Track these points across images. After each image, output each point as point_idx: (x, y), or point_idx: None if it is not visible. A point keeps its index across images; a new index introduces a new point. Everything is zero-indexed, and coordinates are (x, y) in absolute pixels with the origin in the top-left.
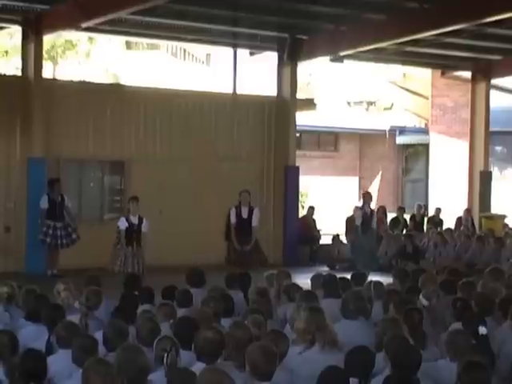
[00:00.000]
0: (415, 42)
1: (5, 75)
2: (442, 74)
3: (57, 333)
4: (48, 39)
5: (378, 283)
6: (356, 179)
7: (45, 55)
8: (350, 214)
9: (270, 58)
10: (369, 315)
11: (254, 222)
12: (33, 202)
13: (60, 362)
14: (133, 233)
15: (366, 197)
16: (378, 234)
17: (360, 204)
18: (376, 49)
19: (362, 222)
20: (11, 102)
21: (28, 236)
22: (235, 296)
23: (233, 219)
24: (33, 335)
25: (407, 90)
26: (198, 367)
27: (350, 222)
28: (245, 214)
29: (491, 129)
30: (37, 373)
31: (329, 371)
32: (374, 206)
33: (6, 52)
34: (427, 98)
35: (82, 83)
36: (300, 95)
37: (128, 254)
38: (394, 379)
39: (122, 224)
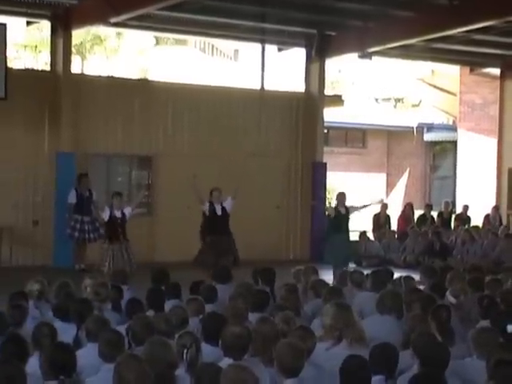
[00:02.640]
0: (444, 39)
1: (34, 70)
2: (471, 70)
3: (86, 327)
4: (77, 34)
5: (409, 278)
6: (383, 176)
7: (73, 50)
8: (377, 211)
9: (297, 54)
10: (402, 314)
11: (229, 210)
12: (61, 197)
13: (88, 356)
14: (117, 227)
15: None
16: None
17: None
18: (404, 45)
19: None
20: (40, 97)
21: (56, 230)
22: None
23: (205, 209)
24: (62, 330)
25: (435, 86)
26: (225, 363)
27: (377, 218)
28: (218, 211)
29: None
30: (66, 366)
31: (352, 360)
32: (401, 202)
33: (35, 47)
34: (455, 95)
35: (111, 78)
36: (328, 91)
37: (116, 250)
38: (421, 377)
39: (105, 215)
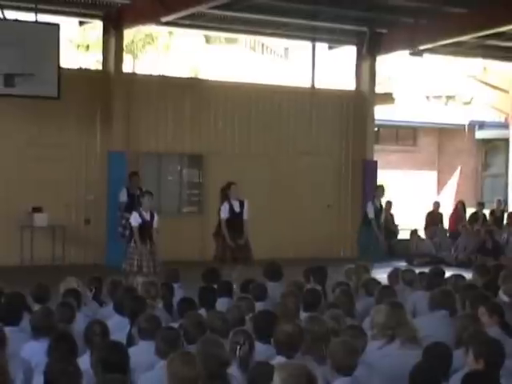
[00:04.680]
0: (496, 36)
1: (86, 69)
2: None
3: (138, 325)
4: (128, 33)
5: (461, 277)
6: (435, 174)
7: (125, 49)
8: (431, 208)
9: (348, 52)
10: (455, 312)
11: (245, 215)
12: (113, 195)
13: (141, 354)
14: (147, 229)
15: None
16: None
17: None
18: (456, 42)
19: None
20: (92, 96)
21: (108, 229)
22: None
23: (224, 214)
24: (118, 326)
25: (487, 84)
26: (278, 361)
27: (430, 217)
28: (237, 208)
29: None
30: (119, 364)
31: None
32: (452, 200)
33: (88, 46)
34: (507, 92)
35: (162, 77)
36: (379, 89)
37: (144, 252)
38: (475, 376)
39: (135, 220)
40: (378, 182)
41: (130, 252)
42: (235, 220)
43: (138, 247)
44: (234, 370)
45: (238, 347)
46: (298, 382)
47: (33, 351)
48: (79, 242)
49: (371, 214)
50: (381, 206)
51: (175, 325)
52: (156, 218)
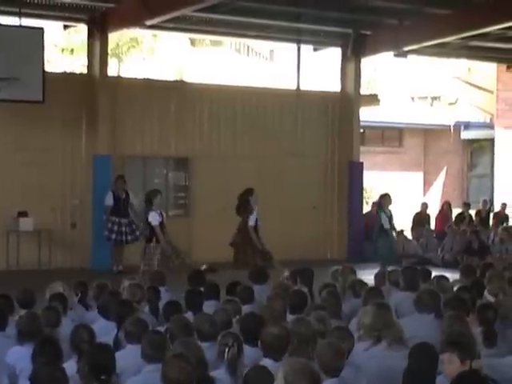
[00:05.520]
0: (480, 36)
1: (70, 73)
2: (508, 68)
3: (125, 328)
4: (113, 37)
5: (443, 278)
6: (421, 174)
7: (110, 53)
8: (418, 209)
9: (333, 54)
10: (441, 314)
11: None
12: (98, 199)
13: (128, 358)
14: (163, 227)
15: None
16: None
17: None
18: (440, 43)
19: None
20: (77, 100)
21: (94, 232)
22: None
23: (252, 222)
24: (104, 330)
25: (472, 84)
26: (266, 364)
27: (417, 217)
28: (257, 215)
29: None
30: (106, 366)
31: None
32: (439, 201)
33: (72, 50)
34: (492, 93)
35: (147, 80)
36: (364, 91)
37: (166, 248)
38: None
39: (155, 219)
40: (365, 184)
41: (149, 252)
42: (257, 227)
43: (162, 245)
44: (219, 374)
45: (227, 349)
46: (300, 377)
47: (18, 356)
48: (65, 245)
49: (386, 225)
50: (390, 213)
51: (161, 328)
52: (164, 215)
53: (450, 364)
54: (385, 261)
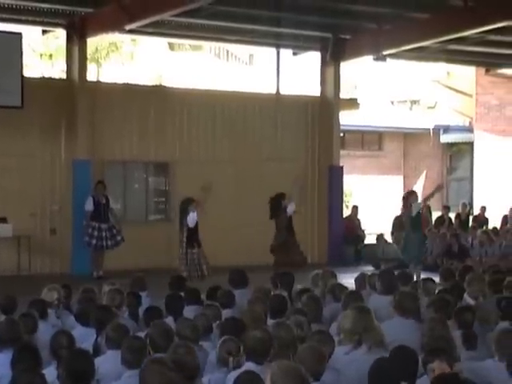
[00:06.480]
0: (459, 40)
1: (49, 78)
2: (487, 71)
3: (106, 334)
4: (92, 42)
5: (430, 281)
6: (400, 178)
7: (89, 57)
8: (398, 213)
9: (312, 58)
10: (420, 317)
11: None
12: (78, 204)
13: (108, 363)
14: (195, 232)
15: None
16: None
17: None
18: (419, 47)
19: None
20: (56, 105)
21: (74, 238)
22: None
23: (290, 211)
24: (82, 337)
25: (451, 88)
26: (249, 367)
27: (398, 221)
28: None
29: None
30: (85, 373)
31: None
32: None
33: (51, 55)
34: (471, 96)
35: (126, 85)
36: (343, 95)
37: (193, 256)
38: (440, 380)
39: (192, 221)
40: (345, 188)
41: (192, 258)
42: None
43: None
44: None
45: (231, 358)
46: (288, 377)
47: None
48: (45, 251)
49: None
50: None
51: (142, 334)
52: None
53: (441, 371)
54: (415, 259)
